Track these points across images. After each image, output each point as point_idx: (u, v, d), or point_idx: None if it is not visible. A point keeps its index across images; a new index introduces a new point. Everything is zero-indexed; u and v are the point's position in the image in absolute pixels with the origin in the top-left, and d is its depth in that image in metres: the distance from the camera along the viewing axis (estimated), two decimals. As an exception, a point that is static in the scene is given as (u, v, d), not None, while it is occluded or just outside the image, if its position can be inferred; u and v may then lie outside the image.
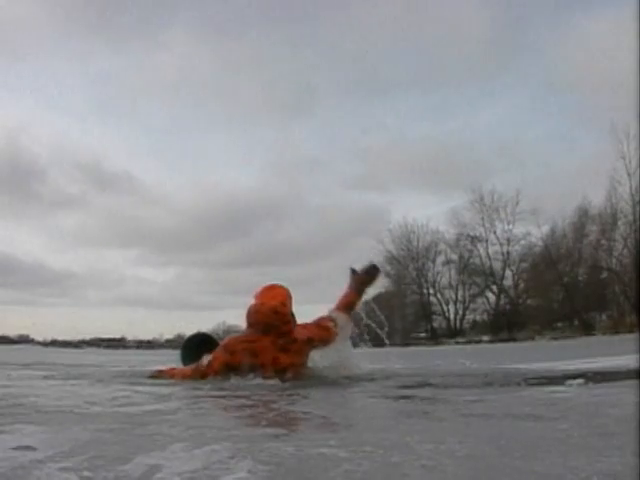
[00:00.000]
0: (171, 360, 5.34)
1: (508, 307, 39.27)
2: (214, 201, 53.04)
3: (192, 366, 4.13)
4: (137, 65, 55.88)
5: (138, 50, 56.63)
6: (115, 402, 2.94)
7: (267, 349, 3.96)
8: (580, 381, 3.33)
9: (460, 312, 42.15)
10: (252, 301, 4.21)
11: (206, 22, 54.87)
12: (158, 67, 55.02)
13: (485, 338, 35.69)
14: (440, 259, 42.47)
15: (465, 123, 56.22)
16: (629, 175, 31.54)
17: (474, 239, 40.29)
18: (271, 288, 4.21)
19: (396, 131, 55.31)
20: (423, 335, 41.56)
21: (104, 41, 57.47)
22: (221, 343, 4.21)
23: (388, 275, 43.35)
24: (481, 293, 41.31)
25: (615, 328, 28.07)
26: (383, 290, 43.09)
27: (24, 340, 44.07)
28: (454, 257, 41.88)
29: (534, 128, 54.14)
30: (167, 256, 58.92)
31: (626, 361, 5.17)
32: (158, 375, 4.34)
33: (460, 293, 42.05)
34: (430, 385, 3.79)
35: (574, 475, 1.29)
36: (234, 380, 3.82)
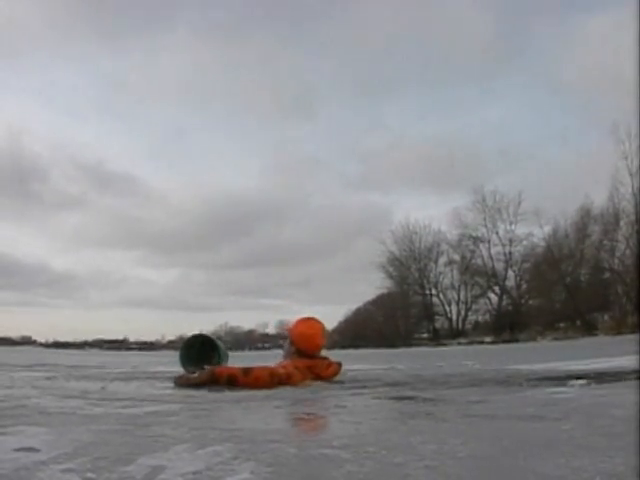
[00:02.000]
0: (173, 362, 5.34)
1: (510, 308, 39.20)
2: (216, 202, 53.07)
3: (263, 370, 3.94)
4: (139, 66, 55.94)
5: (140, 51, 56.81)
6: (118, 403, 2.94)
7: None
8: (583, 382, 3.33)
9: (462, 313, 42.12)
10: (302, 328, 4.44)
11: (208, 23, 54.92)
12: (160, 68, 55.16)
13: (487, 339, 35.61)
14: (442, 260, 42.43)
15: (467, 123, 56.21)
16: (631, 175, 31.43)
17: (476, 240, 40.23)
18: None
19: (398, 131, 55.30)
20: (425, 336, 41.50)
21: (106, 41, 57.52)
22: (298, 364, 4.10)
23: (390, 276, 43.38)
24: (483, 294, 41.25)
25: (617, 329, 27.97)
26: (385, 291, 43.31)
27: (26, 341, 44.18)
28: (456, 258, 41.85)
29: (536, 128, 53.92)
30: (169, 257, 58.93)
31: (628, 362, 5.17)
32: (214, 376, 3.83)
33: (462, 294, 42.02)
34: (433, 386, 3.80)
35: (577, 475, 1.29)
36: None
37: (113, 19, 55.72)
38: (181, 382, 3.85)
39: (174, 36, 52.66)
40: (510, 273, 39.56)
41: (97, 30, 54.72)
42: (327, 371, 4.26)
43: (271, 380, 3.82)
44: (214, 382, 3.77)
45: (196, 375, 3.88)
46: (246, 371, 3.83)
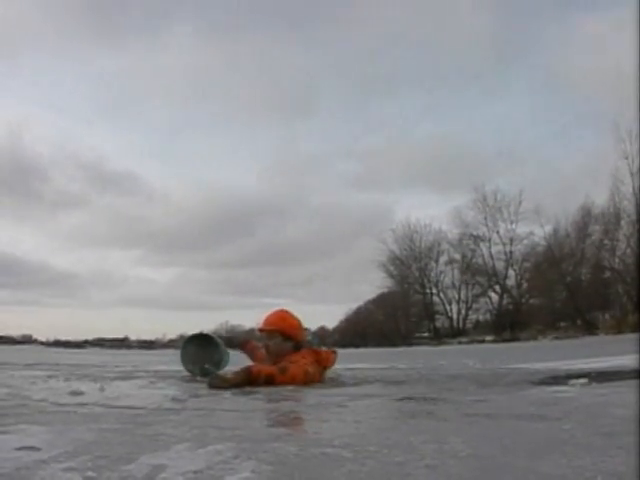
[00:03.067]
0: (174, 360, 5.34)
1: (511, 307, 39.18)
2: (216, 201, 52.95)
3: (298, 368, 3.89)
4: (139, 65, 55.73)
5: (140, 50, 56.48)
6: (118, 402, 2.94)
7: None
8: (583, 381, 3.33)
9: (463, 312, 42.10)
10: (290, 319, 4.34)
11: (208, 22, 54.82)
12: (160, 67, 54.90)
13: (488, 338, 35.60)
14: (443, 259, 42.39)
15: (467, 122, 55.95)
16: (632, 174, 31.38)
17: (477, 239, 40.19)
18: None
19: (398, 130, 55.00)
20: (426, 335, 41.49)
21: (106, 40, 57.35)
22: (309, 358, 4.07)
23: (391, 275, 43.39)
24: (484, 293, 41.23)
25: (618, 328, 27.95)
26: (386, 290, 43.32)
27: (27, 340, 44.15)
28: (457, 257, 41.81)
29: (536, 127, 53.81)
30: (170, 256, 58.80)
31: (629, 361, 5.17)
32: (254, 373, 3.77)
33: (463, 293, 42.01)
34: (433, 385, 3.80)
35: (578, 475, 1.29)
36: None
37: (113, 18, 55.50)
38: (216, 383, 3.68)
39: (174, 35, 52.54)
40: (511, 272, 39.56)
41: (97, 29, 54.55)
42: (328, 361, 4.25)
43: (305, 378, 3.84)
44: (251, 382, 3.68)
45: (232, 376, 3.76)
46: (282, 370, 3.82)
